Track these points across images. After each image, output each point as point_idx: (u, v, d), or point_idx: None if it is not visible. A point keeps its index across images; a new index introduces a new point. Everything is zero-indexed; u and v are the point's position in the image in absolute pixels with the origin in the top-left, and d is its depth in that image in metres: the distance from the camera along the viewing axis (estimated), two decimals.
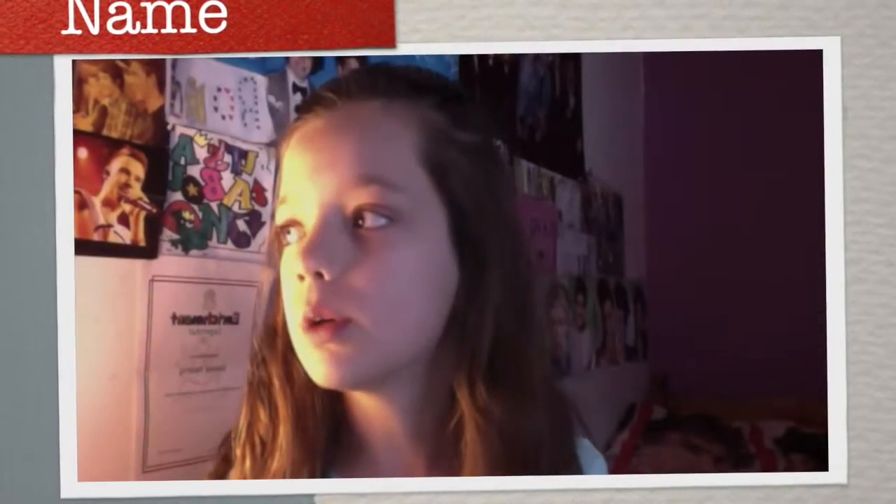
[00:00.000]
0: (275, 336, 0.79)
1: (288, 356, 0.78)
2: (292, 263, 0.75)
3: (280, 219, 0.77)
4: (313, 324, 0.74)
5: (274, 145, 0.88)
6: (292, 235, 0.76)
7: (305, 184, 0.76)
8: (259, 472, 0.79)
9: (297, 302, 0.75)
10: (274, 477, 0.78)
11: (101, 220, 0.84)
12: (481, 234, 0.77)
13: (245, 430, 0.79)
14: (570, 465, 0.81)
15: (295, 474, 0.78)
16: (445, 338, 0.77)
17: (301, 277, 0.74)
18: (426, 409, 0.78)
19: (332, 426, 0.78)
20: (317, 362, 0.75)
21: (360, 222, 0.75)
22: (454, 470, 0.78)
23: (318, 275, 0.74)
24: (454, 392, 0.77)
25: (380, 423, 0.78)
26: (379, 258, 0.75)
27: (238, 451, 0.80)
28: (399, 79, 0.79)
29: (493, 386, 0.77)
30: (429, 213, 0.76)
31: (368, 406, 0.78)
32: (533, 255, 0.86)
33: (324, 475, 0.79)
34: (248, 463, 0.79)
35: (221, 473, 0.81)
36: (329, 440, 0.78)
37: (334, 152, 0.76)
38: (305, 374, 0.77)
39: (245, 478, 0.80)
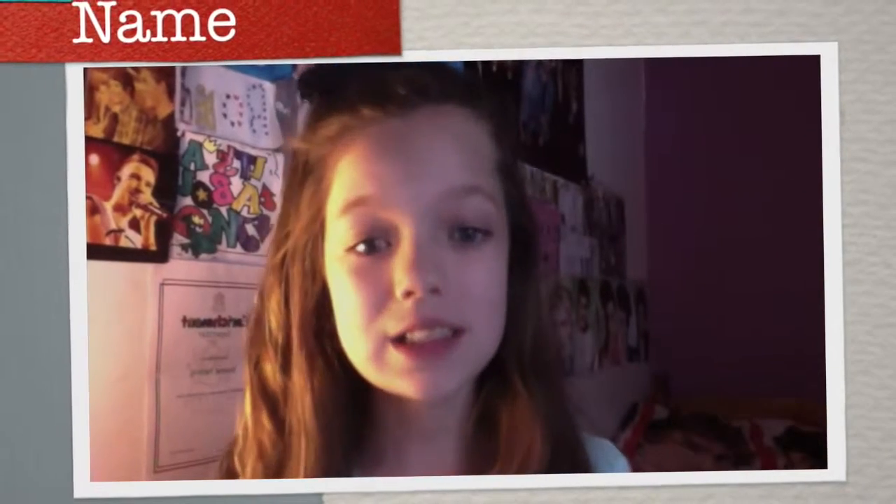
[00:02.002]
0: (288, 343, 0.78)
1: (314, 362, 0.77)
2: (389, 278, 0.73)
3: (357, 224, 0.74)
4: (406, 341, 0.74)
5: (282, 151, 0.89)
6: (369, 246, 0.74)
7: (396, 191, 0.74)
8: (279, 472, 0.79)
9: (390, 319, 0.73)
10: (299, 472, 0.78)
11: (113, 225, 0.84)
12: (530, 231, 0.79)
13: (253, 439, 0.79)
14: (579, 461, 0.81)
15: (319, 471, 0.78)
16: None
17: (408, 294, 0.73)
18: (467, 404, 0.79)
19: (355, 430, 0.78)
20: (407, 375, 0.74)
21: (458, 234, 0.74)
22: (488, 461, 0.79)
23: (436, 290, 0.73)
24: (489, 385, 0.78)
25: (418, 421, 0.78)
26: (480, 269, 0.74)
27: (242, 461, 0.80)
28: (461, 82, 0.80)
29: (538, 375, 0.78)
30: (504, 219, 0.77)
31: (410, 406, 0.78)
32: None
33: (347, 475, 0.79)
34: (259, 471, 0.79)
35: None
36: (350, 444, 0.78)
37: (433, 159, 0.74)
38: (327, 377, 0.77)
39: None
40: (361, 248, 0.75)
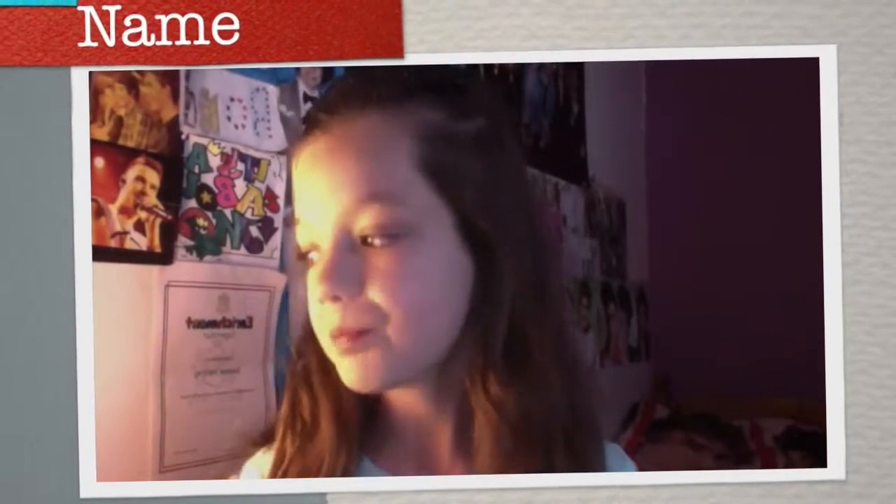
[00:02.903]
0: (310, 335, 0.81)
1: (322, 354, 0.80)
2: (314, 287, 0.79)
3: (302, 241, 0.80)
4: (339, 335, 0.78)
5: (285, 154, 0.90)
6: (314, 255, 0.80)
7: (316, 208, 0.79)
8: (303, 452, 0.81)
9: (321, 320, 0.79)
10: (318, 458, 0.80)
11: (118, 228, 0.85)
12: (488, 227, 0.78)
13: (289, 414, 0.81)
14: (595, 456, 0.82)
15: (334, 456, 0.80)
16: (464, 332, 0.79)
17: (321, 301, 0.78)
18: (448, 398, 0.80)
19: (368, 414, 0.81)
20: (346, 368, 0.79)
21: (369, 241, 0.77)
22: (472, 456, 0.80)
23: (336, 298, 0.78)
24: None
25: (408, 411, 0.81)
26: (392, 274, 0.77)
27: (282, 434, 0.82)
28: (387, 83, 0.81)
29: (508, 377, 0.78)
30: (434, 219, 0.78)
31: (396, 396, 0.81)
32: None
33: (358, 459, 0.81)
34: (292, 444, 0.81)
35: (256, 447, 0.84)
36: (364, 427, 0.81)
37: (336, 175, 0.79)
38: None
39: (290, 457, 0.81)
40: (311, 256, 0.80)
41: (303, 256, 0.80)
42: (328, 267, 0.78)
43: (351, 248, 0.78)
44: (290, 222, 0.85)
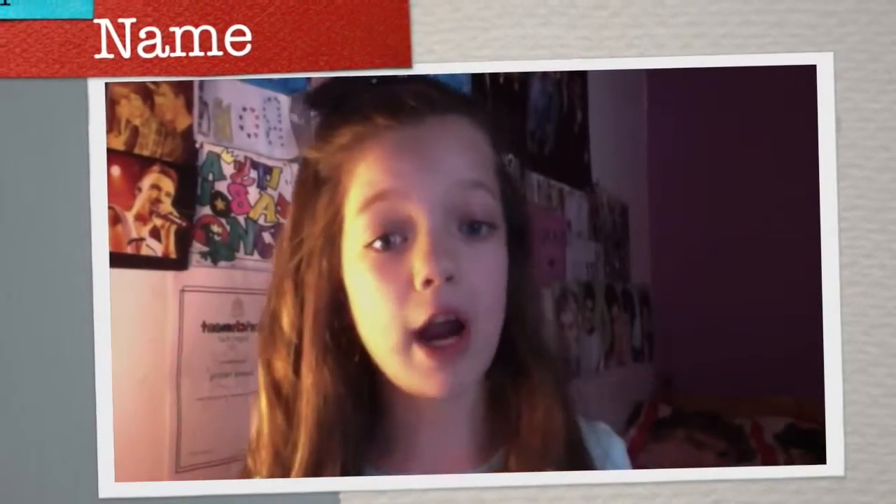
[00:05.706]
0: (301, 342, 0.80)
1: (324, 357, 0.79)
2: (408, 270, 0.77)
3: (375, 220, 0.78)
4: (429, 335, 0.77)
5: (297, 161, 0.90)
6: (386, 241, 0.77)
7: (412, 184, 0.78)
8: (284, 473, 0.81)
9: (412, 308, 0.77)
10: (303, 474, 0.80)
11: (134, 234, 0.85)
12: (524, 226, 0.82)
13: (269, 439, 0.81)
14: (574, 444, 0.83)
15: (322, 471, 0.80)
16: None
17: (428, 282, 0.76)
18: (476, 390, 0.81)
19: (367, 422, 0.81)
20: (428, 374, 0.77)
21: (466, 226, 0.78)
22: (500, 439, 0.81)
23: (450, 278, 0.76)
24: (498, 367, 0.80)
25: (432, 413, 0.81)
26: (487, 260, 0.78)
27: (257, 461, 0.82)
28: (461, 96, 0.83)
29: (541, 356, 0.81)
30: (502, 215, 0.81)
31: (424, 400, 0.80)
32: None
33: (358, 471, 0.81)
34: (276, 471, 0.81)
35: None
36: (361, 436, 0.80)
37: (443, 157, 0.79)
38: (337, 372, 0.79)
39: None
40: (378, 244, 0.78)
41: (372, 243, 0.77)
42: (439, 243, 0.76)
43: (452, 230, 0.77)
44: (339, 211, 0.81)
